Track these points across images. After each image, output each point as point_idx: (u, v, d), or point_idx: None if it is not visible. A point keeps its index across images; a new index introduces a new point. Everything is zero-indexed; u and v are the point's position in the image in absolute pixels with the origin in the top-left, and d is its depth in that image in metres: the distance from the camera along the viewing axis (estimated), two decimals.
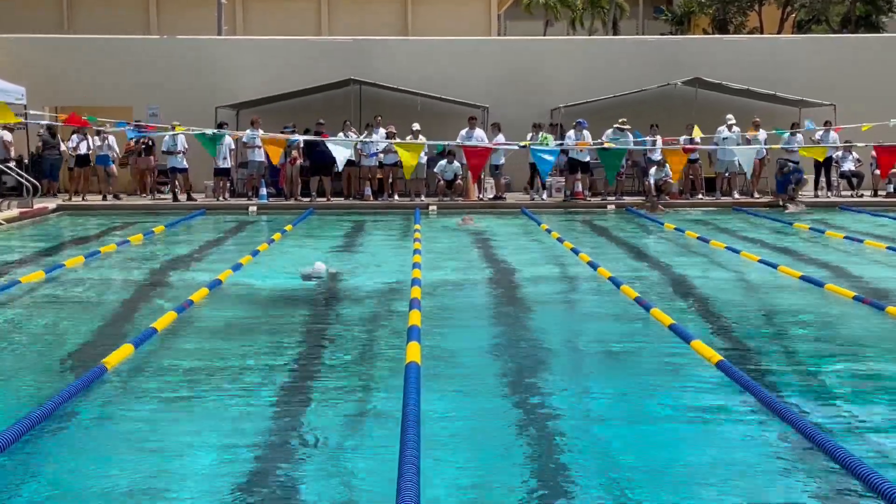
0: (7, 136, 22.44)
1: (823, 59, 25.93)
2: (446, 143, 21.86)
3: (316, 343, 8.85)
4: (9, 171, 21.31)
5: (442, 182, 23.23)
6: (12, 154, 22.66)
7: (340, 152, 20.07)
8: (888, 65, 25.69)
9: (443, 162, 23.15)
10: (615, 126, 22.97)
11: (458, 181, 23.11)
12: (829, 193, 23.78)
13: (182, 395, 7.01)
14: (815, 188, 23.84)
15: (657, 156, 22.64)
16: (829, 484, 5.16)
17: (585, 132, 22.83)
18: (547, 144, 21.13)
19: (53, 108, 24.29)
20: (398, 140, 21.24)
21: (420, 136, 21.92)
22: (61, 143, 23.54)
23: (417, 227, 17.90)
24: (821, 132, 22.77)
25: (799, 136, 22.63)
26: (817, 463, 5.40)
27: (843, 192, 23.95)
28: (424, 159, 23.10)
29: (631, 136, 22.68)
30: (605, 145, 21.34)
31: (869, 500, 4.85)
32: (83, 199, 23.19)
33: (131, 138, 22.53)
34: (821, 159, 20.58)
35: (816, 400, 6.80)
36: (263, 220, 20.67)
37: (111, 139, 23.35)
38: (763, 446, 5.84)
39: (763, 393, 6.56)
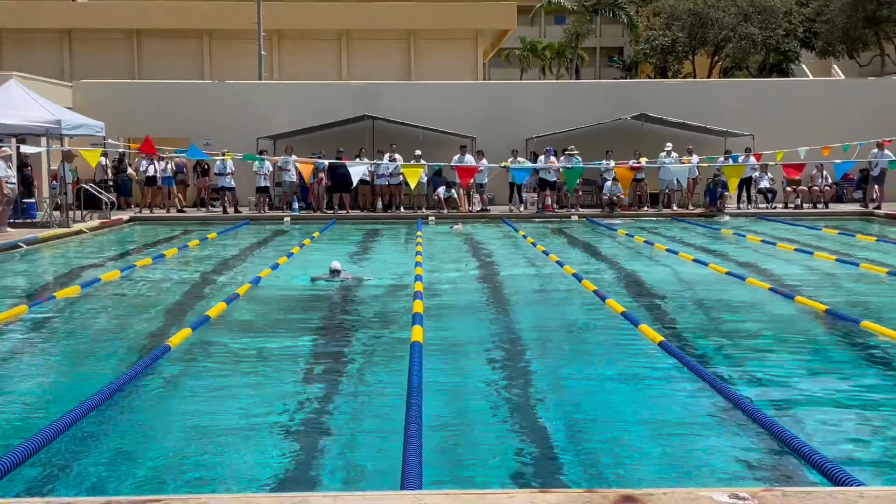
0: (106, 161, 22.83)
1: (744, 98, 25.93)
2: (442, 164, 21.93)
3: (338, 325, 8.85)
4: (90, 189, 21.23)
5: (441, 200, 23.08)
6: (109, 175, 22.87)
7: (356, 172, 20.38)
8: (794, 102, 25.70)
9: (442, 188, 23.05)
10: (565, 152, 23.08)
11: (453, 198, 23.03)
12: (749, 206, 23.79)
13: (230, 368, 7.01)
14: (738, 202, 23.86)
15: (611, 175, 22.75)
16: (750, 438, 5.20)
17: (553, 157, 22.89)
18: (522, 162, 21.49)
19: (126, 139, 24.24)
20: (403, 163, 21.38)
21: (421, 160, 21.98)
22: (128, 168, 23.66)
23: (419, 233, 17.90)
24: (743, 156, 22.80)
25: (730, 160, 22.60)
26: (744, 424, 5.42)
27: (761, 205, 23.98)
28: (425, 179, 23.15)
29: (579, 159, 22.75)
30: (569, 166, 21.61)
31: (765, 438, 4.90)
32: (151, 211, 23.16)
33: (189, 157, 22.63)
34: (738, 178, 20.77)
35: (740, 371, 6.82)
36: (296, 228, 20.65)
37: (171, 164, 23.37)
38: (694, 407, 5.86)
39: (696, 366, 6.58)
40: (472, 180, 22.55)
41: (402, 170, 21.05)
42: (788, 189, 23.77)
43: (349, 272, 11.80)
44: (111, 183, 22.96)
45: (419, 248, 14.76)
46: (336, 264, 11.54)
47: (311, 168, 21.15)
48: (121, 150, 23.06)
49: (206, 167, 23.66)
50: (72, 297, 10.37)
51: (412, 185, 20.87)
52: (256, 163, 22.37)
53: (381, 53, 34.99)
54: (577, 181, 22.24)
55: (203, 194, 24.39)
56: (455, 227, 20.07)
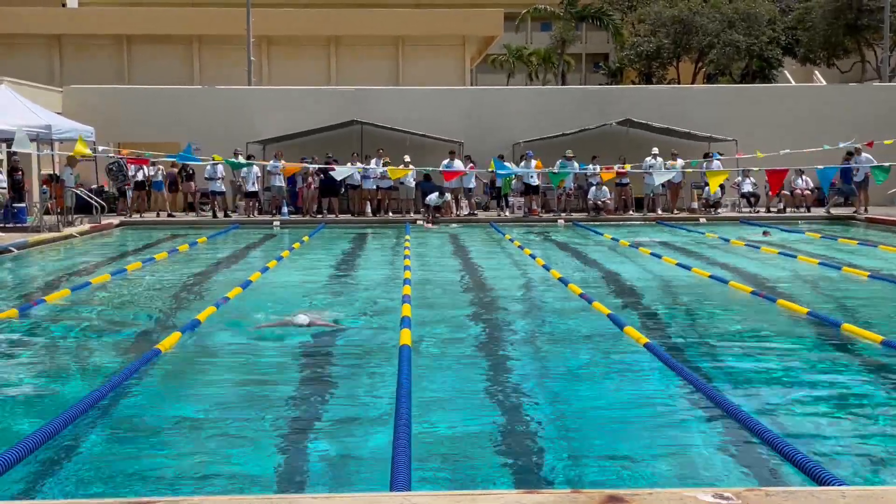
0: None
1: (727, 104, 26.07)
2: (430, 168, 21.98)
3: (327, 323, 8.82)
4: (81, 193, 21.10)
5: (432, 207, 22.85)
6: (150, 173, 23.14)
7: (341, 173, 20.62)
8: (776, 108, 25.87)
9: (434, 195, 22.81)
10: (563, 157, 23.10)
11: (447, 203, 22.90)
12: (719, 210, 23.75)
13: (220, 370, 6.98)
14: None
15: (596, 179, 22.82)
16: (733, 438, 5.21)
17: (533, 161, 22.81)
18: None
19: (117, 143, 24.16)
20: (391, 167, 21.44)
21: (410, 166, 22.03)
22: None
23: (407, 237, 17.88)
24: (705, 163, 22.88)
25: (716, 164, 22.72)
26: (727, 425, 5.43)
27: (744, 209, 24.08)
28: (413, 184, 23.17)
29: (576, 163, 22.82)
30: (555, 170, 21.76)
31: (748, 438, 4.91)
32: (141, 216, 23.05)
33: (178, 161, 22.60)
34: (720, 182, 21.03)
35: (723, 372, 6.84)
36: (285, 232, 20.61)
37: (161, 169, 23.30)
38: (679, 408, 5.87)
39: (680, 367, 6.60)
40: (460, 185, 22.66)
41: (387, 171, 21.21)
42: (771, 193, 23.85)
43: (319, 311, 9.53)
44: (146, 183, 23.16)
45: (407, 252, 14.76)
46: (302, 318, 8.76)
47: (297, 169, 21.21)
48: (111, 155, 22.95)
49: (190, 172, 23.56)
50: (61, 301, 10.31)
51: (393, 178, 21.43)
52: (244, 169, 22.31)
53: (370, 59, 34.99)
54: (563, 182, 22.51)
55: (189, 199, 24.32)
56: (426, 225, 21.19)
